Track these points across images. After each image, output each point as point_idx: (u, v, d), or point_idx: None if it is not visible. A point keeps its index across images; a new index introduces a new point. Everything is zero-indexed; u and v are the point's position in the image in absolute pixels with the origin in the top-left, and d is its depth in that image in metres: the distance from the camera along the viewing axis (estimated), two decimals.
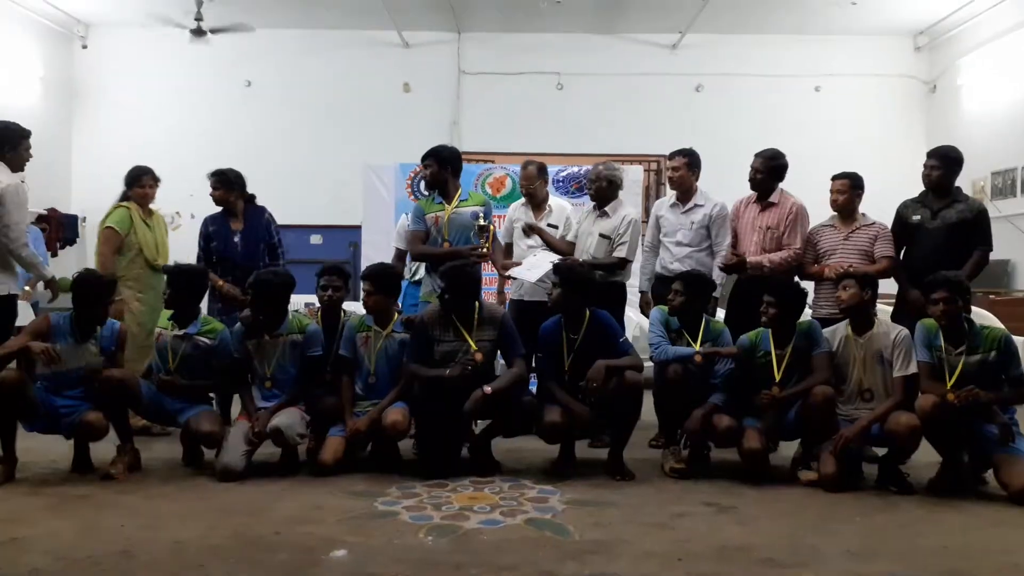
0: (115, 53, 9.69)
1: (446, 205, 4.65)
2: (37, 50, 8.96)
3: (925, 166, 4.63)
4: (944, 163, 4.57)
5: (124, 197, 5.07)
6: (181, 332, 4.12)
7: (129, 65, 9.67)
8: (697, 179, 4.91)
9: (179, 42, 9.38)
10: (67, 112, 9.45)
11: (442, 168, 4.66)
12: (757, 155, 4.82)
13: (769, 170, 4.75)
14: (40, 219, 8.06)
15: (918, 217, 4.59)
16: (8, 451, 3.86)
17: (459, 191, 4.74)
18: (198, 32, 9.07)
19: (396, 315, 4.30)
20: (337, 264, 4.52)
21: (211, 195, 4.94)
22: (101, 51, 9.71)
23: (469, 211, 4.66)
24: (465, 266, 4.18)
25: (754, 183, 4.81)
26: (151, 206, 5.19)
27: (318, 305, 4.43)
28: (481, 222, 4.60)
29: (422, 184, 7.03)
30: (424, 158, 4.72)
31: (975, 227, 4.49)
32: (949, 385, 3.68)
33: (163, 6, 8.92)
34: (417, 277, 5.23)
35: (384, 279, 4.26)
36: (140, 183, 5.05)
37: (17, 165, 4.53)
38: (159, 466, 4.10)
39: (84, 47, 9.70)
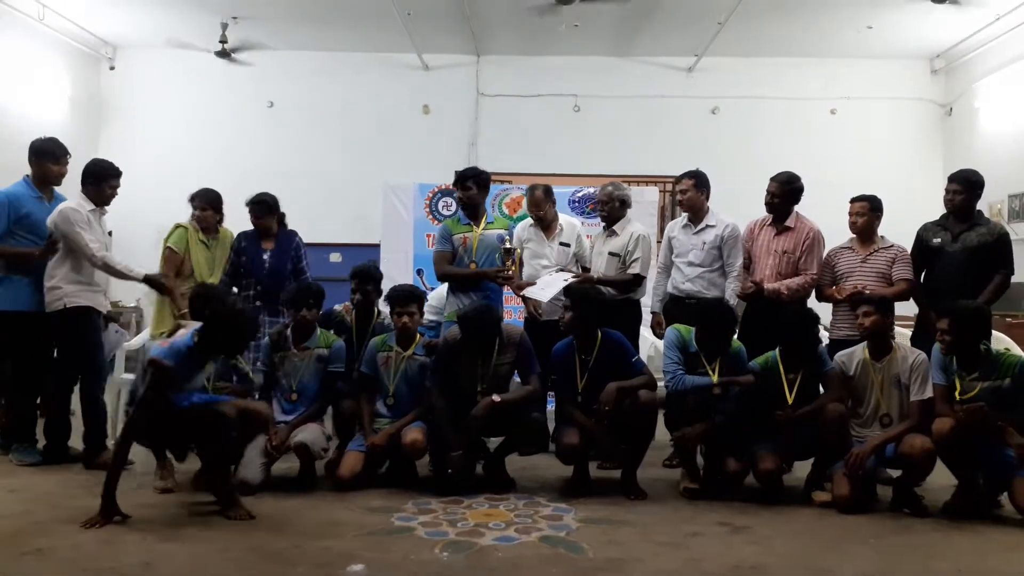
0: (141, 74, 9.87)
1: (474, 227, 4.72)
2: (66, 71, 9.16)
3: (947, 190, 4.64)
4: (966, 187, 4.58)
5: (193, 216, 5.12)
6: None
7: (155, 86, 9.85)
8: (707, 199, 4.93)
9: (204, 64, 9.58)
10: (94, 131, 9.64)
11: (481, 191, 4.76)
12: (773, 179, 4.83)
13: (785, 194, 4.76)
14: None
15: (938, 240, 4.60)
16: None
17: (486, 214, 4.83)
18: (223, 54, 9.28)
19: (419, 337, 4.37)
20: (368, 268, 4.62)
21: (254, 223, 5.01)
22: (128, 72, 9.89)
23: (496, 234, 4.74)
24: (484, 312, 4.17)
25: (770, 207, 4.82)
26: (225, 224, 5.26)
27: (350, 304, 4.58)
28: (507, 245, 4.67)
29: (440, 204, 7.18)
30: (463, 180, 4.75)
31: (996, 251, 4.50)
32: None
33: (188, 29, 9.12)
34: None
35: (419, 299, 4.39)
36: (193, 206, 5.08)
37: (98, 200, 4.64)
38: (179, 480, 4.13)
39: (112, 68, 9.89)
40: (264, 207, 4.99)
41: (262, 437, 4.03)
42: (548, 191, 5.15)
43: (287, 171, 9.32)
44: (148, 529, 3.31)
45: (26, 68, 8.42)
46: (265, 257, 4.95)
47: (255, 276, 4.92)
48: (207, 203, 5.09)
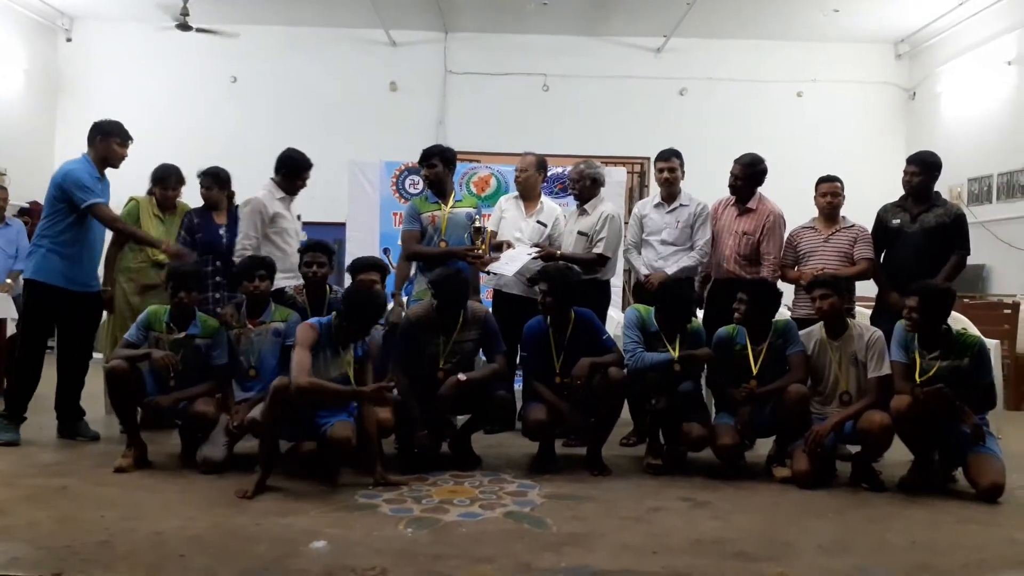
0: (100, 47, 9.64)
1: (443, 205, 4.68)
2: (21, 42, 8.91)
3: (905, 172, 4.70)
4: (924, 168, 4.65)
5: (150, 192, 5.04)
6: (182, 335, 4.07)
7: (114, 59, 9.63)
8: (683, 179, 4.97)
9: (165, 37, 9.36)
10: (50, 105, 9.40)
11: (446, 168, 4.71)
12: (736, 161, 4.84)
13: (748, 176, 4.79)
14: (23, 212, 8.02)
15: (898, 221, 4.67)
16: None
17: (454, 191, 4.78)
18: (184, 27, 9.07)
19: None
20: (321, 240, 4.57)
21: (203, 195, 4.93)
22: (86, 44, 9.66)
23: (464, 212, 4.70)
24: (455, 274, 4.15)
25: (733, 189, 4.84)
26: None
27: (302, 283, 4.48)
28: (477, 224, 4.63)
29: (407, 182, 7.12)
30: (428, 157, 4.70)
31: (953, 231, 4.58)
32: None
33: (149, 0, 8.91)
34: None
35: (385, 271, 4.37)
36: (163, 184, 4.97)
37: (288, 190, 4.73)
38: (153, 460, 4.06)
39: (68, 40, 9.65)
40: (215, 179, 4.92)
41: (225, 416, 4.01)
42: (542, 163, 5.10)
43: (251, 148, 9.12)
44: (106, 508, 3.25)
45: None
46: (221, 232, 4.89)
47: (214, 252, 4.83)
48: (180, 182, 5.00)
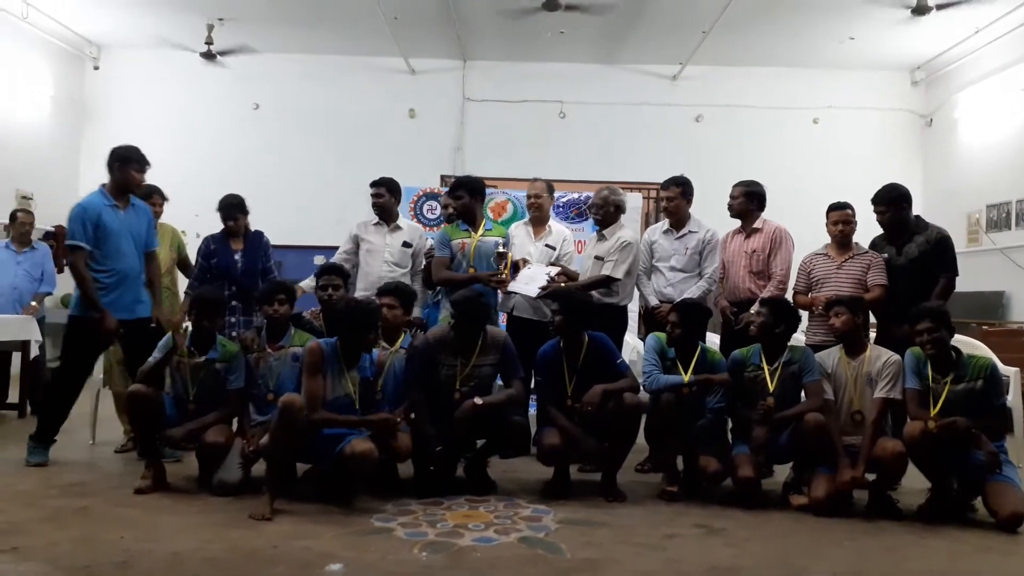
0: (126, 75, 9.84)
1: (473, 233, 4.77)
2: (49, 70, 9.11)
3: (875, 213, 4.71)
4: (887, 204, 4.65)
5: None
6: (202, 359, 4.13)
7: (139, 87, 9.82)
8: (690, 206, 5.01)
9: (189, 65, 9.58)
10: (76, 131, 9.58)
11: (473, 198, 4.82)
12: (735, 185, 5.02)
13: (744, 195, 4.92)
14: (48, 236, 8.16)
15: (886, 255, 4.67)
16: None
17: (484, 220, 4.88)
18: (208, 55, 9.27)
19: (404, 333, 4.36)
20: (336, 263, 4.70)
21: (229, 226, 5.02)
22: (112, 72, 9.86)
23: (493, 240, 4.79)
24: (476, 295, 4.19)
25: (731, 210, 4.98)
26: (161, 220, 5.31)
27: (319, 308, 4.54)
28: (501, 249, 4.70)
29: (424, 207, 7.19)
30: (454, 189, 4.85)
31: (937, 256, 4.53)
32: (933, 413, 3.74)
33: (174, 29, 9.11)
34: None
35: (406, 295, 4.39)
36: (150, 201, 5.12)
37: (378, 214, 5.20)
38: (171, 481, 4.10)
39: (96, 68, 9.86)
40: (237, 209, 5.03)
41: (239, 440, 4.05)
42: (550, 187, 5.23)
43: (272, 173, 9.37)
44: (125, 529, 3.29)
45: (8, 67, 8.39)
46: (237, 257, 4.98)
47: (229, 277, 4.93)
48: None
